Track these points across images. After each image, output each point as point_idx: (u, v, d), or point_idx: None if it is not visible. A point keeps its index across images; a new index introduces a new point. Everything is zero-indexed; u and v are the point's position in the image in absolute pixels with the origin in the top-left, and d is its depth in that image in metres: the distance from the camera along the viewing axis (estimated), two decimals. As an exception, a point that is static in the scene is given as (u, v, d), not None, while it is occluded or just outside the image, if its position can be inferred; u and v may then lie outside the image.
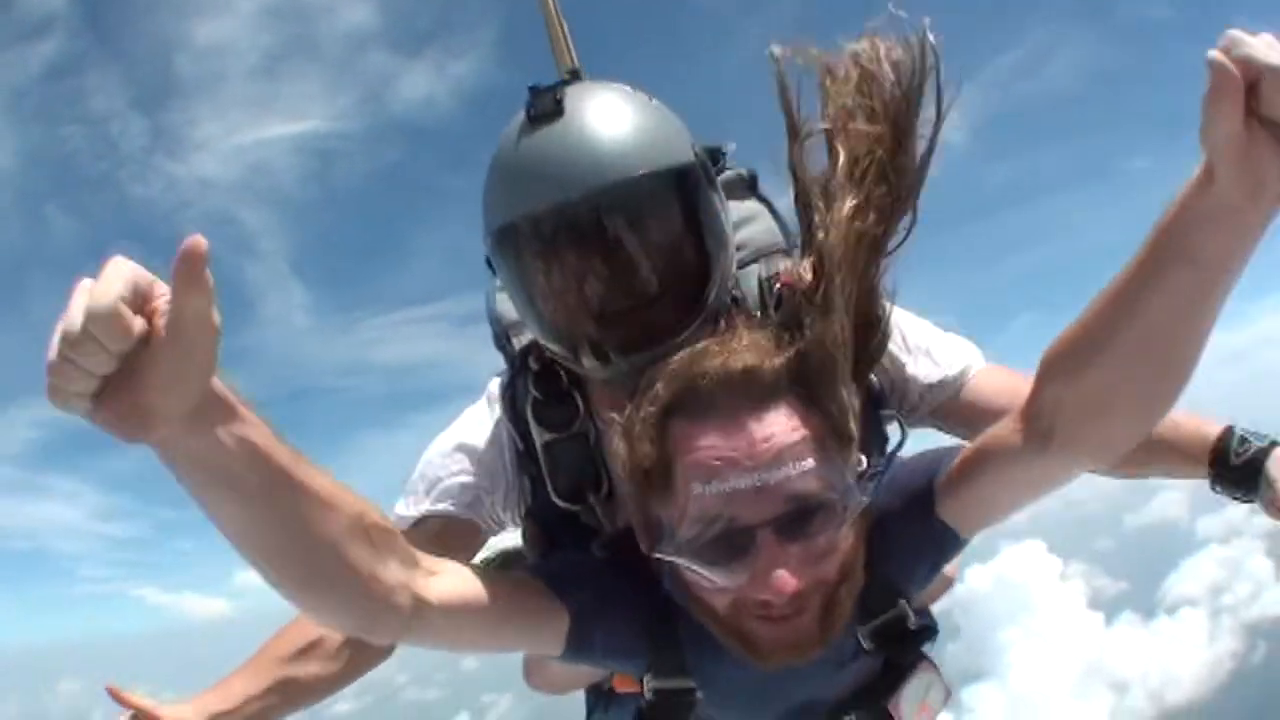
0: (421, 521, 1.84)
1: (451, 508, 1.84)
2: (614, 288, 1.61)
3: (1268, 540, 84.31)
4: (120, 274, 0.97)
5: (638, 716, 1.81)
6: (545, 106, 1.61)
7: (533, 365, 1.83)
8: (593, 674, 2.23)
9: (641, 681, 1.70)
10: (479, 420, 1.90)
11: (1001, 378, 1.87)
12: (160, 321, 0.98)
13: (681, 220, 1.64)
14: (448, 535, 1.82)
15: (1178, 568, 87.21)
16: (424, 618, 1.37)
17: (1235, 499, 1.78)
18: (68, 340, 0.96)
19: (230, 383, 1.11)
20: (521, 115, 1.63)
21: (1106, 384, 1.28)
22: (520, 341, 1.94)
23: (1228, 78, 1.06)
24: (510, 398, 1.87)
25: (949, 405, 1.88)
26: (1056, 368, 1.33)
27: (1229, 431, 1.75)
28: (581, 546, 1.76)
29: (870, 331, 1.45)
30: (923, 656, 1.78)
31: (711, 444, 1.36)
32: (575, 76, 1.76)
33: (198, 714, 1.71)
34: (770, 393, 1.37)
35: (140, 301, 0.98)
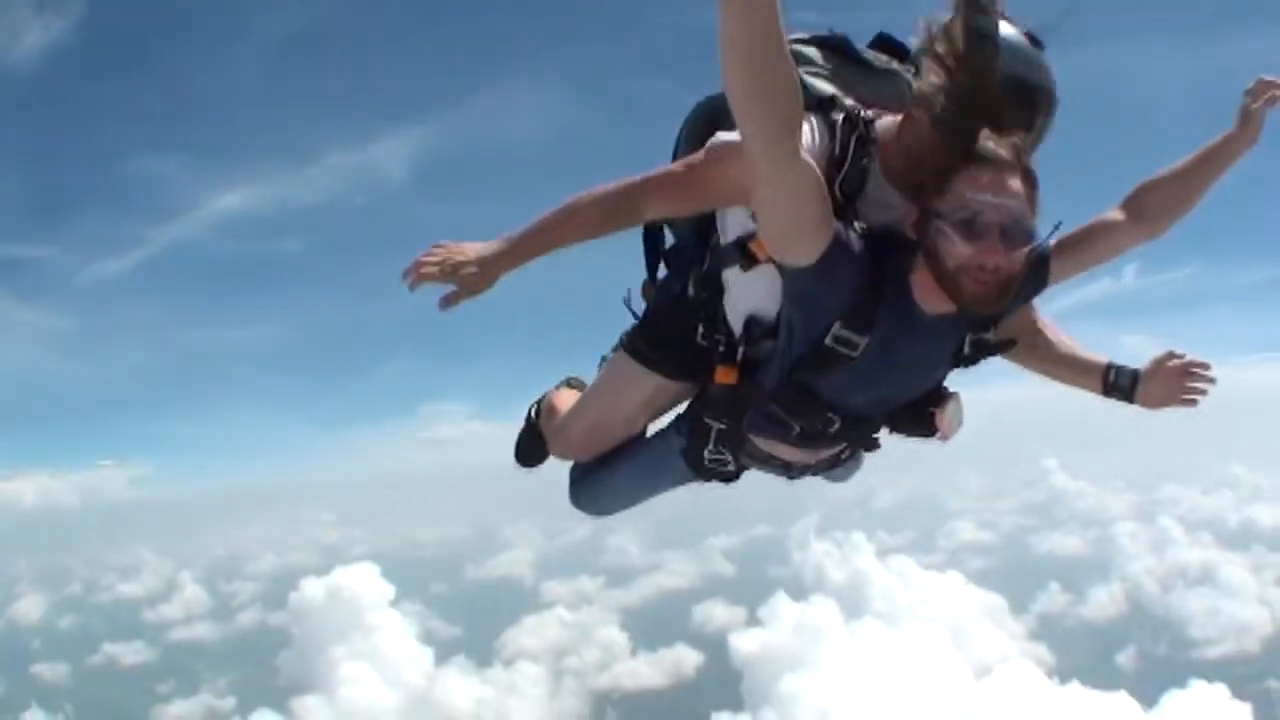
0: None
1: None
2: (1023, 119, 2.50)
3: (622, 614, 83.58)
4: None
5: (786, 380, 2.75)
6: (1039, 40, 2.54)
7: (862, 130, 2.68)
8: (613, 434, 3.41)
9: (821, 331, 2.59)
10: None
11: None
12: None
13: (1050, 103, 2.58)
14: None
15: (519, 623, 79.90)
16: (780, 167, 2.31)
17: (1120, 395, 3.26)
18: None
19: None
20: (1023, 37, 2.52)
21: (1176, 199, 2.91)
22: (839, 113, 2.74)
23: (1272, 87, 2.78)
24: (844, 138, 2.67)
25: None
26: (1151, 187, 2.91)
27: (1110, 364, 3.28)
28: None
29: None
30: (955, 393, 2.89)
31: (990, 176, 2.36)
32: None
33: (477, 251, 2.68)
34: (1018, 165, 2.40)
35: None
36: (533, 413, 3.89)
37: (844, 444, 3.02)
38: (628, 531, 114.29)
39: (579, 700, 67.35)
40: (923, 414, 2.84)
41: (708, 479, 3.26)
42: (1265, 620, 72.51)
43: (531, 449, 3.85)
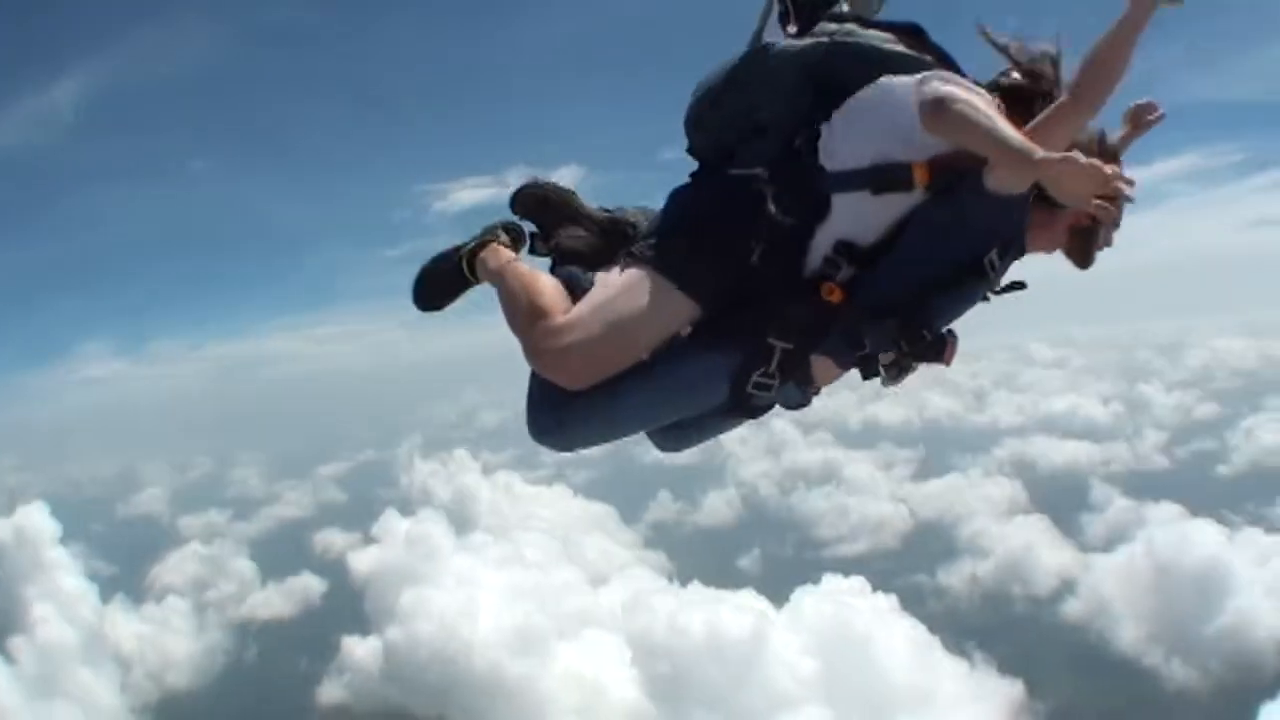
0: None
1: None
2: None
3: (250, 546, 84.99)
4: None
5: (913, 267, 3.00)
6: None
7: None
8: (623, 359, 3.06)
9: (983, 252, 3.00)
10: None
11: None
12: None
13: None
14: None
15: (163, 560, 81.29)
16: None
17: None
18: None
19: None
20: None
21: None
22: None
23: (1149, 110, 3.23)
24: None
25: None
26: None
27: None
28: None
29: None
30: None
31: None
32: None
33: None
34: None
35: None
36: (464, 264, 3.44)
37: (871, 365, 3.08)
38: (247, 464, 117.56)
39: (223, 632, 68.40)
40: (944, 342, 3.06)
41: (741, 405, 3.16)
42: (903, 516, 72.31)
43: (441, 294, 3.55)
